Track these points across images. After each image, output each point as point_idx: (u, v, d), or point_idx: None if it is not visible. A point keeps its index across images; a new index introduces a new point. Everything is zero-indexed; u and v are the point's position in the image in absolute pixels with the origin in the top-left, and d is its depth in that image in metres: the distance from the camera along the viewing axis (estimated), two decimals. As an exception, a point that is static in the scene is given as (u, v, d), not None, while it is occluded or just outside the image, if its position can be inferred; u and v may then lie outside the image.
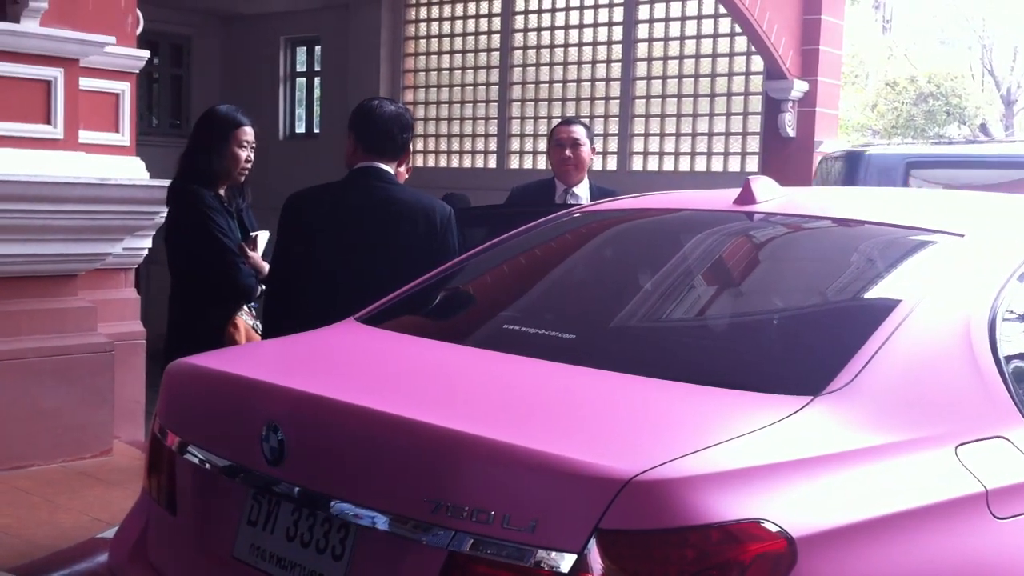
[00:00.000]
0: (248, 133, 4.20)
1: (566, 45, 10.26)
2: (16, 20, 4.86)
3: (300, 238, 3.62)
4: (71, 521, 4.31)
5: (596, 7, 10.05)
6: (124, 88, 5.72)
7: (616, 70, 9.92)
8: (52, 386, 5.08)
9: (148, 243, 5.91)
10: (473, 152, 10.91)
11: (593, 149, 5.33)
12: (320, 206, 3.65)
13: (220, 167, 4.13)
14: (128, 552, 2.59)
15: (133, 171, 5.60)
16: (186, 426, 2.46)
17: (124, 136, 5.74)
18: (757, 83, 9.19)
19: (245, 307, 4.10)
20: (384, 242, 3.51)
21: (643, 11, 9.78)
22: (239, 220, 4.21)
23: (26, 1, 4.83)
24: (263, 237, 4.19)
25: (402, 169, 4.18)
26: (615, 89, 9.93)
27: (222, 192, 4.18)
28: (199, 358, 2.60)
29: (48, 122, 5.01)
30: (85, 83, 5.26)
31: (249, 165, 4.22)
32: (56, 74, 5.01)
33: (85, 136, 5.28)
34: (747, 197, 2.89)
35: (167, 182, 5.28)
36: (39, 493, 4.63)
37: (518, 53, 10.59)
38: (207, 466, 2.34)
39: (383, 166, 3.63)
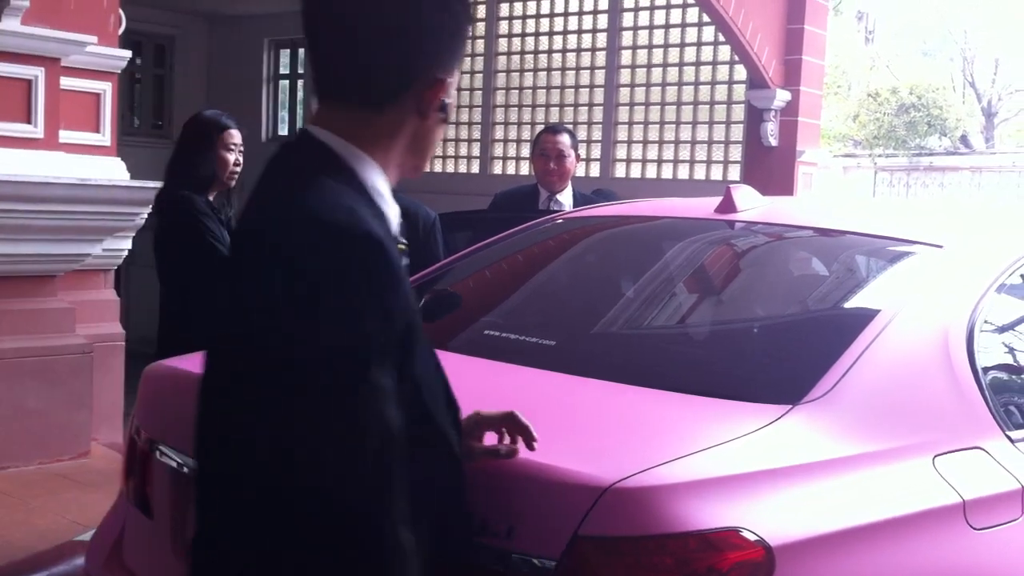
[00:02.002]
0: (235, 136, 4.17)
1: (550, 51, 10.27)
2: (-2, 18, 4.83)
3: None
4: (48, 523, 4.28)
5: (580, 14, 10.06)
6: (106, 88, 5.69)
7: (600, 77, 9.93)
8: (30, 387, 5.04)
9: (128, 244, 5.88)
10: (456, 157, 10.91)
11: (578, 157, 5.31)
12: None
13: (209, 172, 4.11)
14: (105, 555, 2.57)
15: (114, 172, 5.57)
16: (163, 429, 2.45)
17: (105, 136, 5.71)
18: (740, 92, 9.22)
19: None
20: None
21: (627, 18, 9.79)
22: (228, 228, 4.18)
23: (8, -1, 4.80)
24: None
25: None
26: (599, 96, 9.94)
27: (212, 198, 4.15)
28: (177, 361, 2.58)
29: (28, 121, 4.98)
30: (66, 82, 5.23)
31: (239, 168, 4.20)
32: (37, 73, 4.98)
33: (65, 136, 5.25)
34: (728, 206, 2.90)
35: (148, 183, 5.26)
36: (16, 494, 4.60)
37: (502, 59, 10.60)
38: (184, 469, 2.33)
39: None
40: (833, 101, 24.09)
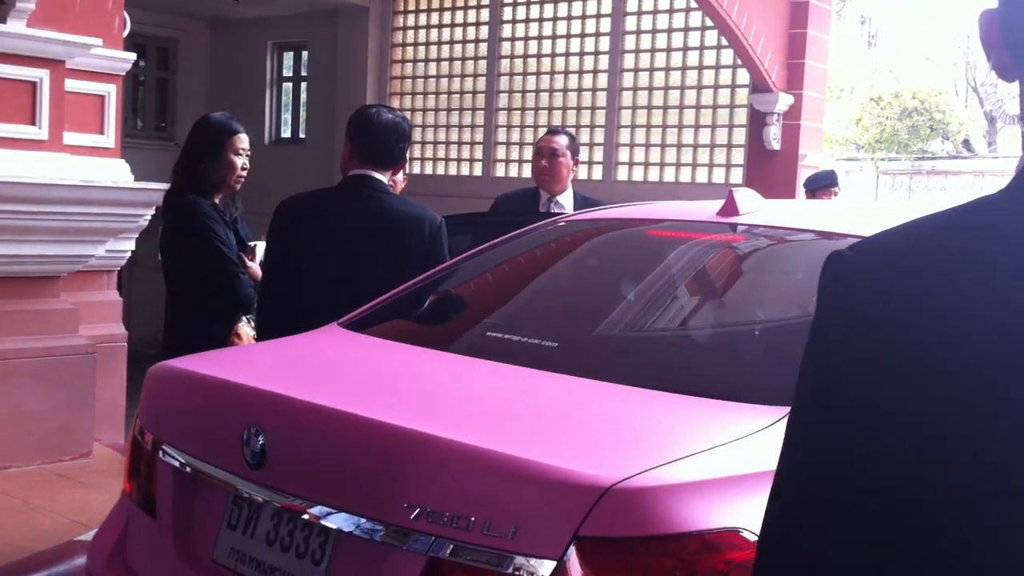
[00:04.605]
0: (243, 140, 4.19)
1: (553, 55, 10.29)
2: (3, 21, 4.84)
3: (290, 245, 3.60)
4: (49, 523, 4.29)
5: (583, 18, 10.08)
6: (110, 90, 5.71)
7: (603, 80, 9.95)
8: (33, 388, 5.06)
9: (131, 246, 5.89)
10: (459, 160, 10.93)
11: (576, 161, 5.29)
12: (311, 213, 3.64)
13: (217, 175, 4.11)
14: (107, 555, 2.58)
15: (118, 173, 5.58)
16: (167, 429, 2.46)
17: (109, 138, 5.72)
18: (743, 96, 9.24)
19: (244, 317, 4.07)
20: (373, 251, 3.50)
21: (630, 22, 9.82)
22: (234, 230, 4.19)
23: (13, 2, 4.81)
24: (261, 247, 4.17)
25: (399, 177, 4.16)
26: (601, 99, 9.96)
27: (218, 201, 4.16)
28: (181, 361, 2.59)
29: (33, 123, 4.99)
30: (71, 85, 5.24)
31: (245, 172, 4.21)
32: (42, 75, 4.99)
33: (70, 138, 5.26)
34: (730, 208, 2.91)
35: (151, 185, 5.28)
36: (17, 495, 4.61)
37: (505, 62, 10.62)
38: (187, 469, 2.34)
39: (376, 175, 3.60)
40: (835, 105, 24.09)
